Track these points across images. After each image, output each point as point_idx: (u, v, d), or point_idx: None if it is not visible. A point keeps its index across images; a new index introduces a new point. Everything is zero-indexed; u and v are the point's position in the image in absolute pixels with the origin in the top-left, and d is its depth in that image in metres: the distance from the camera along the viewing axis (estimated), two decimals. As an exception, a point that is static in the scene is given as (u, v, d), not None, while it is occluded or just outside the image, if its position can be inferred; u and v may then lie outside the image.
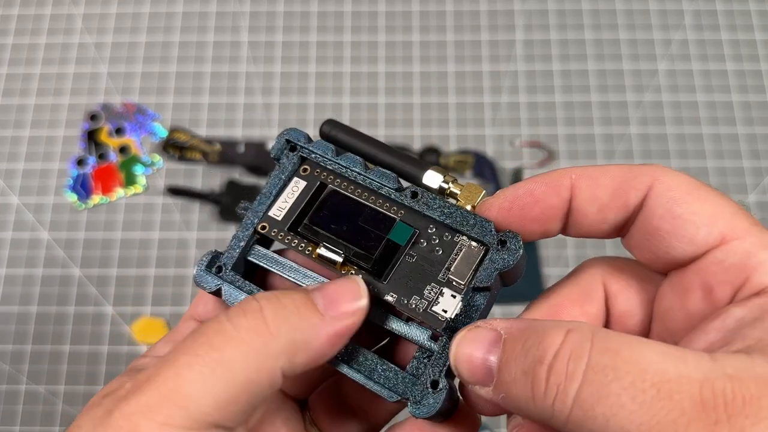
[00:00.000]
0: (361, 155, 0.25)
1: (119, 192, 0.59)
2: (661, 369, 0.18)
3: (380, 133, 0.61)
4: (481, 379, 0.20)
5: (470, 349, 0.20)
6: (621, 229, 0.23)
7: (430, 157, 0.59)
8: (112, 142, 0.61)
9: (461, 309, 0.22)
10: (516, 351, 0.19)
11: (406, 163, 0.25)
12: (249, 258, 0.25)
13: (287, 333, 0.20)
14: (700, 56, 0.63)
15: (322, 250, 0.23)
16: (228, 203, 0.58)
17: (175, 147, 0.60)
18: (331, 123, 0.26)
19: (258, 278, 0.26)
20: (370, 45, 0.64)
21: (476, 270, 0.22)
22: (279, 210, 0.25)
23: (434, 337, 0.23)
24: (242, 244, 0.24)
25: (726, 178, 0.59)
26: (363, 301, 0.22)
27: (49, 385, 0.54)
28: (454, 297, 0.22)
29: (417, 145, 0.60)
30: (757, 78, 0.62)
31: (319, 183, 0.25)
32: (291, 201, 0.25)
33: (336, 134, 0.25)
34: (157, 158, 0.60)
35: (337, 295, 0.21)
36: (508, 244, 0.22)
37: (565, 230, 0.24)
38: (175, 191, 0.59)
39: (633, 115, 0.61)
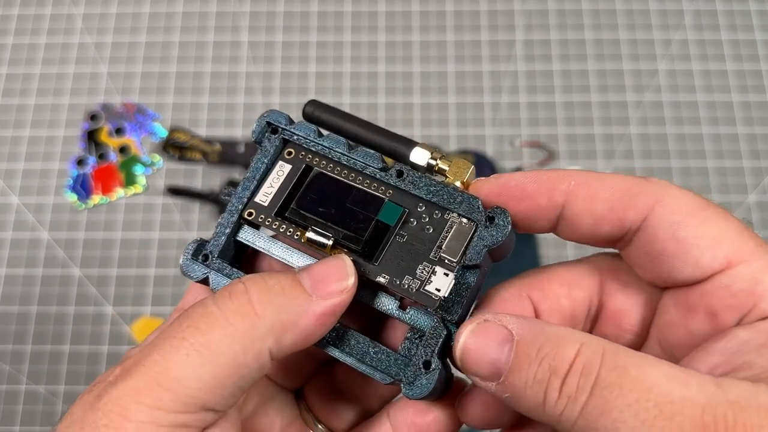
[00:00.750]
0: (347, 135, 0.24)
1: (119, 192, 0.59)
2: (666, 390, 0.18)
3: (380, 133, 0.61)
4: (487, 376, 0.20)
5: (478, 345, 0.20)
6: (615, 242, 0.23)
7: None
8: (112, 142, 0.61)
9: (452, 286, 0.22)
10: (530, 357, 0.19)
11: (392, 140, 0.24)
12: (238, 239, 0.24)
13: (273, 314, 0.20)
14: (700, 56, 0.63)
15: (310, 234, 0.23)
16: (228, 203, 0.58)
17: (175, 147, 0.60)
18: (314, 103, 0.25)
19: (247, 261, 0.26)
20: (370, 45, 0.64)
21: (466, 248, 0.22)
22: (265, 195, 0.24)
23: (403, 306, 0.23)
24: (228, 230, 0.24)
25: (726, 178, 0.59)
26: (350, 280, 0.21)
27: (49, 385, 0.54)
28: (447, 275, 0.22)
29: (417, 145, 0.60)
30: (757, 78, 0.62)
31: (304, 166, 0.24)
32: (277, 185, 0.24)
33: (320, 114, 0.25)
34: (157, 158, 0.60)
35: (324, 274, 0.21)
36: (496, 220, 0.22)
37: (555, 231, 0.24)
38: (175, 191, 0.59)
39: (633, 115, 0.61)
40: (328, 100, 0.62)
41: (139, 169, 0.60)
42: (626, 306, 0.25)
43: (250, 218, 0.24)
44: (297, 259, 0.24)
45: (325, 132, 0.25)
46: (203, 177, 0.60)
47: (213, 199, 0.58)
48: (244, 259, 0.25)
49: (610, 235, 0.23)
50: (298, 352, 0.25)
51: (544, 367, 0.19)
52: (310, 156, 0.24)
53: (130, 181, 0.60)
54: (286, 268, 0.24)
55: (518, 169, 0.59)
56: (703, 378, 0.18)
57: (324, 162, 0.24)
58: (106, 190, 0.59)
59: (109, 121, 0.62)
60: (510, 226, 0.22)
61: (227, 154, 0.59)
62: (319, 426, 0.26)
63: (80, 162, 0.60)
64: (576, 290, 0.25)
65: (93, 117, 0.62)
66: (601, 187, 0.22)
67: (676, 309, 0.23)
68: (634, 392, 0.18)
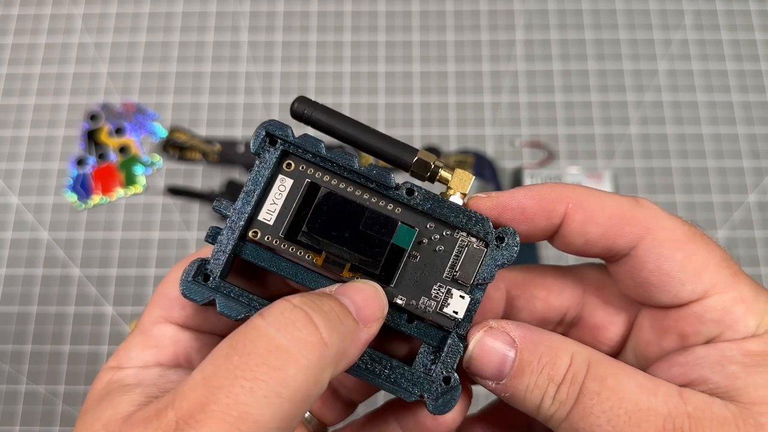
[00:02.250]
0: (342, 139, 0.23)
1: (119, 192, 0.59)
2: (635, 399, 0.21)
3: (380, 133, 0.61)
4: (492, 377, 0.23)
5: (486, 351, 0.23)
6: (603, 257, 0.25)
7: (430, 157, 0.59)
8: (111, 142, 0.61)
9: (468, 307, 0.23)
10: (532, 365, 0.22)
11: (393, 147, 0.23)
12: (243, 257, 0.23)
13: (338, 342, 0.20)
14: (700, 56, 0.63)
15: (326, 261, 0.23)
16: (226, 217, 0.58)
17: (174, 147, 0.59)
18: (303, 101, 0.23)
19: (247, 272, 0.25)
20: (370, 45, 0.64)
21: (479, 269, 0.23)
22: (269, 213, 0.23)
23: (410, 320, 0.24)
24: (229, 249, 0.23)
25: (726, 178, 0.59)
26: (386, 308, 0.22)
27: (48, 385, 0.54)
28: (463, 297, 0.23)
29: (417, 145, 0.60)
30: (757, 78, 0.62)
31: (309, 182, 0.23)
32: (280, 203, 0.23)
33: (310, 114, 0.23)
34: (157, 158, 0.60)
35: (366, 303, 0.21)
36: (506, 241, 0.23)
37: (549, 240, 0.25)
38: (174, 191, 0.59)
39: (633, 115, 0.61)
40: (328, 100, 0.62)
41: (138, 169, 0.60)
42: (604, 322, 0.27)
43: (255, 238, 0.23)
44: (308, 279, 0.23)
45: (327, 140, 0.24)
46: (203, 177, 0.60)
47: (213, 199, 0.58)
48: (237, 271, 0.25)
49: (600, 255, 0.25)
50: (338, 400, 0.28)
51: (544, 375, 0.22)
52: (312, 169, 0.24)
53: (129, 181, 0.59)
54: (298, 287, 0.24)
55: (518, 169, 0.59)
56: (670, 388, 0.21)
57: (328, 177, 0.23)
58: (106, 190, 0.59)
59: (109, 121, 0.62)
60: (518, 247, 0.23)
61: (227, 154, 0.59)
62: (308, 414, 0.28)
63: (80, 162, 0.60)
64: (554, 297, 0.27)
65: (93, 117, 0.62)
66: (596, 211, 0.24)
67: (651, 329, 0.25)
68: (609, 400, 0.21)
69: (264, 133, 0.24)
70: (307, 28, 0.65)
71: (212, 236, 0.23)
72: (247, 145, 0.59)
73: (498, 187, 0.58)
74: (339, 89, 0.62)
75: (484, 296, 0.25)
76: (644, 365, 0.25)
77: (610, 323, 0.27)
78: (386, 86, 0.62)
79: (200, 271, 0.22)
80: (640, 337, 0.26)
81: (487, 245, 0.23)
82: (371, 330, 0.21)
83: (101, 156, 0.60)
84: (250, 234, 0.23)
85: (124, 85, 0.63)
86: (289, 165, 0.24)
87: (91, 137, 0.61)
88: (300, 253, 0.23)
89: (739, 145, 0.60)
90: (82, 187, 0.59)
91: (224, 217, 0.23)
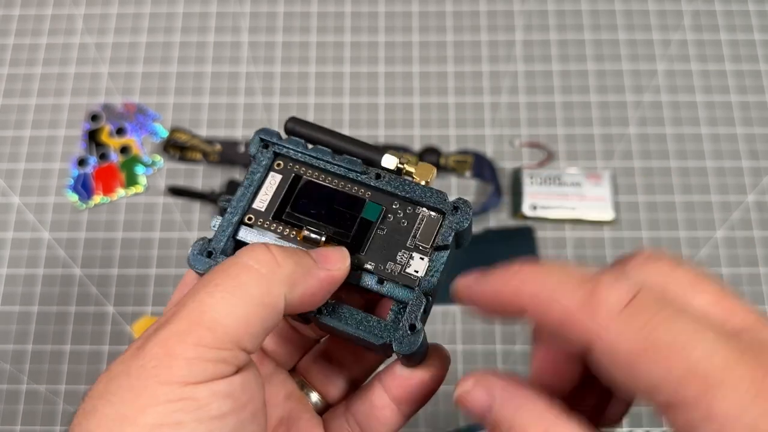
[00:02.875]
0: (325, 146, 0.29)
1: (120, 192, 0.59)
2: None
3: (380, 134, 0.61)
4: (478, 420, 0.23)
5: (467, 404, 0.23)
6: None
7: (430, 157, 0.59)
8: (112, 143, 0.61)
9: (428, 267, 0.27)
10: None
11: (365, 150, 0.28)
12: (238, 238, 0.28)
13: (290, 265, 0.23)
14: (699, 57, 0.63)
15: (306, 233, 0.27)
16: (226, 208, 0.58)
17: (175, 147, 0.60)
18: (294, 120, 0.29)
19: None
20: (370, 46, 0.64)
21: (437, 235, 0.27)
22: (261, 202, 0.28)
23: (380, 282, 0.27)
24: (229, 231, 0.27)
25: (725, 178, 0.59)
26: (347, 263, 0.25)
27: (50, 385, 0.54)
28: (422, 259, 0.27)
29: (417, 146, 0.60)
30: (756, 78, 0.63)
31: (294, 175, 0.28)
32: (270, 193, 0.28)
33: (300, 129, 0.29)
34: (158, 158, 0.60)
35: (326, 254, 0.25)
36: (460, 209, 0.27)
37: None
38: (175, 191, 0.59)
39: (632, 116, 0.61)
40: (328, 100, 0.62)
41: (139, 169, 0.60)
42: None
43: (249, 222, 0.28)
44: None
45: (310, 145, 0.29)
46: (203, 177, 0.60)
47: (213, 199, 0.58)
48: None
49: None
50: (292, 333, 0.30)
51: None
52: (297, 166, 0.29)
53: (130, 181, 0.60)
54: None
55: (518, 170, 0.59)
56: None
57: (310, 171, 0.29)
58: (107, 190, 0.59)
59: (110, 122, 0.62)
60: (471, 213, 0.27)
61: (227, 154, 0.59)
62: (315, 394, 0.30)
63: (81, 162, 0.60)
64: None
65: (94, 117, 0.62)
66: (544, 313, 0.21)
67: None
68: None
69: (258, 138, 0.29)
70: (307, 29, 0.65)
71: (223, 210, 0.28)
72: (247, 145, 0.60)
73: (498, 188, 0.58)
74: (339, 90, 0.63)
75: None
76: None
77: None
78: (386, 87, 0.63)
79: (204, 248, 0.27)
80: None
81: (443, 215, 0.27)
82: (331, 272, 0.24)
83: (102, 156, 0.61)
84: (246, 219, 0.28)
85: (125, 86, 0.63)
86: (278, 164, 0.29)
87: (93, 137, 0.61)
88: (286, 231, 0.27)
89: (737, 146, 0.60)
90: (83, 187, 0.59)
91: (225, 210, 0.28)
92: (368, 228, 0.27)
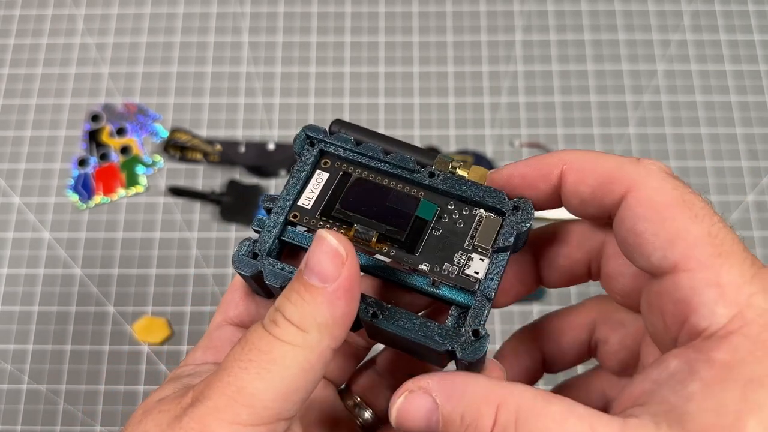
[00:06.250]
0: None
1: (120, 192, 0.60)
2: None
3: (380, 134, 0.61)
4: None
5: (409, 416, 0.22)
6: (600, 218, 0.25)
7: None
8: (113, 143, 0.61)
9: (488, 269, 0.25)
10: (455, 425, 0.21)
11: (414, 152, 0.27)
12: (283, 238, 0.26)
13: (313, 323, 0.21)
14: (699, 57, 0.63)
15: (357, 230, 0.25)
16: (229, 203, 0.58)
17: (176, 147, 0.60)
18: (339, 123, 0.28)
19: (291, 257, 0.28)
20: (370, 46, 0.64)
21: (497, 236, 0.25)
22: (307, 200, 0.27)
23: (434, 284, 0.26)
24: (275, 231, 0.26)
25: (724, 178, 0.59)
26: (341, 250, 0.22)
27: (50, 385, 0.54)
28: (482, 260, 0.25)
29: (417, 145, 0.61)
30: (756, 78, 0.63)
31: (342, 173, 0.27)
32: (317, 191, 0.27)
33: (346, 132, 0.27)
34: (158, 158, 0.61)
35: (319, 262, 0.22)
36: (521, 209, 0.25)
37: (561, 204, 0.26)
38: (176, 191, 0.59)
39: (632, 116, 0.61)
40: (328, 100, 0.62)
41: (140, 170, 0.60)
42: (614, 272, 0.26)
43: (295, 220, 0.26)
44: None
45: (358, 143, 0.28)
46: (204, 177, 0.60)
47: (214, 199, 0.58)
48: (291, 254, 0.28)
49: (597, 215, 0.24)
50: (341, 354, 0.28)
51: None
52: (345, 164, 0.27)
53: (131, 181, 0.60)
54: None
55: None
56: (610, 424, 0.20)
57: (359, 169, 0.27)
58: (108, 190, 0.60)
59: (111, 122, 0.62)
60: (533, 213, 0.25)
61: (228, 154, 0.60)
62: (368, 411, 0.29)
63: (82, 162, 0.61)
64: (575, 251, 0.27)
65: (94, 117, 0.62)
66: (588, 171, 0.23)
67: (645, 299, 0.24)
68: None
69: (304, 135, 0.27)
70: (307, 29, 0.65)
71: (259, 224, 0.26)
72: (247, 145, 0.60)
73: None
74: (339, 90, 0.63)
75: (515, 261, 0.27)
76: (655, 343, 0.24)
77: (619, 274, 0.26)
78: (386, 87, 0.63)
79: (249, 250, 0.26)
80: (642, 308, 0.24)
81: (503, 215, 0.26)
82: (340, 282, 0.22)
83: (103, 156, 0.61)
84: (291, 217, 0.26)
85: (126, 86, 0.63)
86: (326, 162, 0.27)
87: (93, 138, 0.61)
88: (334, 228, 0.26)
89: (737, 146, 0.60)
90: (83, 187, 0.60)
91: (269, 211, 0.27)
92: (423, 228, 0.26)
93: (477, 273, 0.25)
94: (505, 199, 0.26)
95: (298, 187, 0.27)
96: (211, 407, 0.20)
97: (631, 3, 0.65)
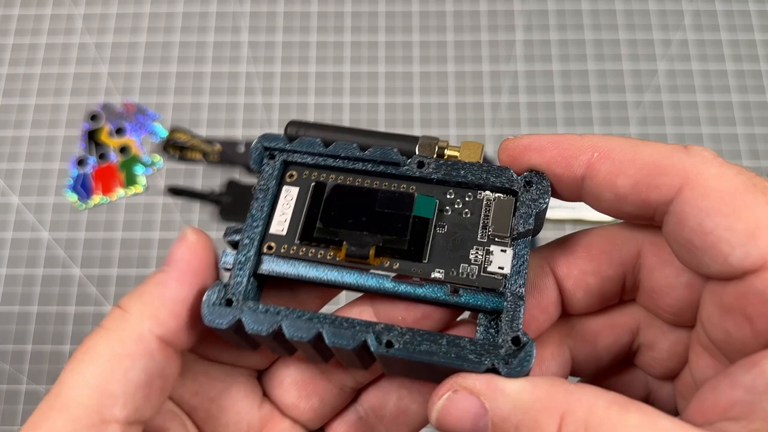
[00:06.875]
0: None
1: (120, 192, 0.59)
2: None
3: (380, 133, 0.61)
4: None
5: (454, 424, 0.19)
6: (648, 219, 0.21)
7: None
8: (112, 142, 0.61)
9: (512, 261, 0.21)
10: None
11: (392, 140, 0.23)
12: (260, 272, 0.22)
13: (137, 303, 0.20)
14: (700, 56, 0.63)
15: (348, 248, 0.21)
16: (228, 203, 0.58)
17: (175, 147, 0.60)
18: (295, 124, 0.23)
19: (274, 288, 0.24)
20: (370, 45, 0.64)
21: (513, 220, 0.21)
22: (279, 225, 0.22)
23: (454, 291, 0.22)
24: (248, 268, 0.22)
25: (725, 178, 0.59)
26: (191, 237, 0.21)
27: (49, 385, 0.54)
28: (505, 251, 0.21)
29: (417, 145, 0.60)
30: (757, 78, 0.62)
31: (314, 184, 0.23)
32: (290, 212, 0.22)
33: (304, 134, 0.23)
34: (158, 158, 0.60)
35: (171, 252, 0.21)
36: (534, 184, 0.21)
37: (580, 197, 0.22)
38: (175, 191, 0.59)
39: (633, 116, 0.61)
40: (328, 100, 0.62)
41: (139, 169, 0.60)
42: (662, 286, 0.22)
43: (271, 252, 0.22)
44: (335, 276, 0.22)
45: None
46: (203, 177, 0.60)
47: (213, 199, 0.58)
48: (265, 292, 0.24)
49: (636, 214, 0.20)
50: (320, 380, 0.23)
51: None
52: (316, 173, 0.23)
53: (130, 181, 0.60)
54: (326, 289, 0.23)
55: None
56: None
57: (334, 174, 0.23)
58: (107, 190, 0.59)
59: (110, 121, 0.62)
60: (549, 185, 0.21)
61: (227, 154, 0.59)
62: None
63: (81, 162, 0.60)
64: (606, 267, 0.22)
65: (93, 117, 0.62)
66: (627, 161, 0.20)
67: (712, 305, 0.20)
68: None
69: (261, 147, 0.23)
70: (307, 28, 0.65)
71: (227, 264, 0.22)
72: (247, 145, 0.60)
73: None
74: (339, 90, 0.63)
75: (535, 287, 0.23)
76: (716, 355, 0.21)
77: (669, 288, 0.21)
78: (386, 86, 0.63)
79: (220, 297, 0.21)
80: (705, 316, 0.20)
81: (515, 194, 0.21)
82: (181, 263, 0.20)
83: (102, 156, 0.61)
84: (265, 249, 0.22)
85: (125, 86, 0.63)
86: (291, 175, 0.23)
87: (92, 137, 0.61)
88: (320, 253, 0.22)
89: (738, 146, 0.60)
90: (82, 187, 0.59)
91: (235, 245, 0.22)
92: (425, 228, 0.22)
93: (502, 268, 0.21)
94: (513, 175, 0.22)
95: (266, 211, 0.22)
96: (29, 427, 0.18)
97: (632, 2, 0.65)
